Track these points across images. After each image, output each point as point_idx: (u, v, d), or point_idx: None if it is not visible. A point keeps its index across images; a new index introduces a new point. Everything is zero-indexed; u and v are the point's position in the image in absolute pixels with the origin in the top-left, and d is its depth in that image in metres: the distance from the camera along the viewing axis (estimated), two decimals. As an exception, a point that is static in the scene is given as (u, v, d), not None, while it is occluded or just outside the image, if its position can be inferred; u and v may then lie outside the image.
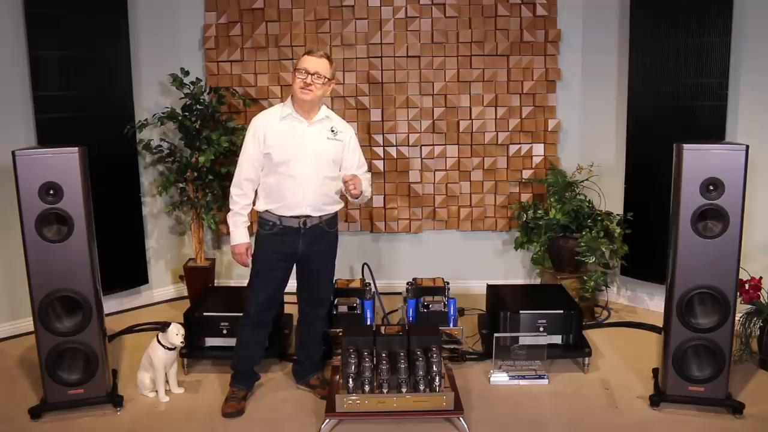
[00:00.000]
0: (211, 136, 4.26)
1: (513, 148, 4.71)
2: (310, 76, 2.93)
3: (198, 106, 4.33)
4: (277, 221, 3.05)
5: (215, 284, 4.69)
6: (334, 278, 3.40)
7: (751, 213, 3.42)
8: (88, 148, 3.00)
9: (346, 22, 4.59)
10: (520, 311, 3.51)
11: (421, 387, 2.93)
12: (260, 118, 3.07)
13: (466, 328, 3.87)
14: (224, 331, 3.50)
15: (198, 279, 4.50)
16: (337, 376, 3.09)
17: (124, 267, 4.44)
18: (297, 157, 2.99)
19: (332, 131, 3.08)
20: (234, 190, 3.09)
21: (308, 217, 3.05)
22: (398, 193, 4.78)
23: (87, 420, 3.05)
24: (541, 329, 3.50)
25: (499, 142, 4.70)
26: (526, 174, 4.73)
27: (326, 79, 2.99)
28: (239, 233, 3.10)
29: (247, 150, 3.05)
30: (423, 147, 4.71)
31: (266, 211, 3.07)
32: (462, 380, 3.36)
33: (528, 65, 4.62)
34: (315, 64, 2.95)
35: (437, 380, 2.94)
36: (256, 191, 3.12)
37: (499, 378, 3.41)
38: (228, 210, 3.13)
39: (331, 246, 3.21)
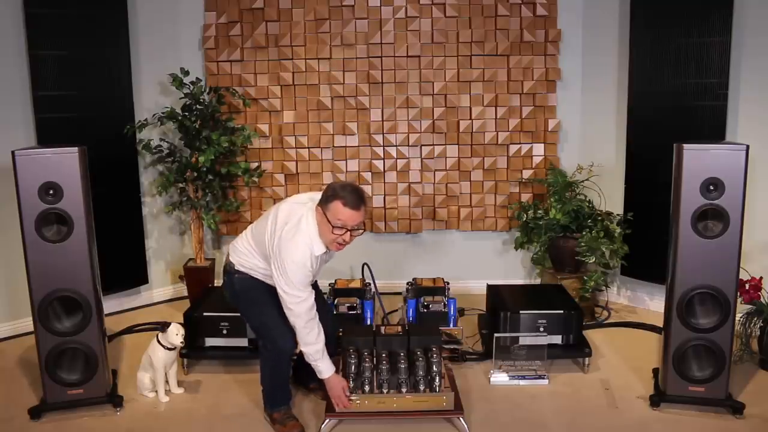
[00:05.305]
0: (211, 136, 4.26)
1: (513, 148, 4.71)
2: (349, 232, 2.70)
3: (198, 106, 4.33)
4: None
5: (215, 284, 4.68)
6: (334, 279, 3.39)
7: (751, 213, 3.41)
8: (88, 148, 3.00)
9: (346, 22, 4.59)
10: (520, 311, 3.51)
11: (421, 387, 2.92)
12: (308, 255, 2.73)
13: (466, 328, 3.87)
14: (224, 331, 3.50)
15: (198, 279, 4.50)
16: (337, 377, 3.09)
17: (124, 267, 4.44)
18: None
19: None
20: (307, 314, 2.76)
21: None
22: (398, 193, 4.78)
23: (87, 420, 3.05)
24: (541, 329, 3.50)
25: (499, 142, 4.70)
26: (526, 174, 4.73)
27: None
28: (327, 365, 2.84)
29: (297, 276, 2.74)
30: (423, 147, 4.71)
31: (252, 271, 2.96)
32: (462, 380, 3.36)
33: (528, 65, 4.61)
34: (356, 218, 2.69)
35: (437, 380, 2.94)
36: (253, 251, 2.94)
37: (499, 378, 3.40)
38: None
39: None
